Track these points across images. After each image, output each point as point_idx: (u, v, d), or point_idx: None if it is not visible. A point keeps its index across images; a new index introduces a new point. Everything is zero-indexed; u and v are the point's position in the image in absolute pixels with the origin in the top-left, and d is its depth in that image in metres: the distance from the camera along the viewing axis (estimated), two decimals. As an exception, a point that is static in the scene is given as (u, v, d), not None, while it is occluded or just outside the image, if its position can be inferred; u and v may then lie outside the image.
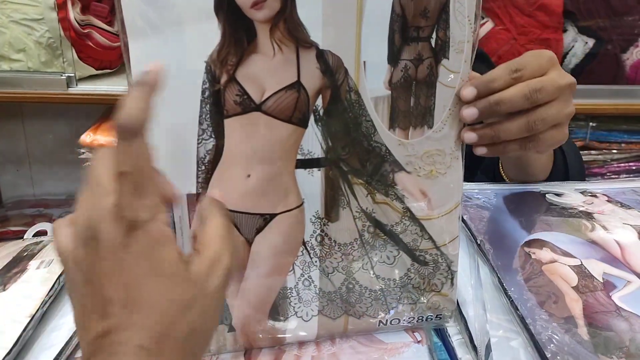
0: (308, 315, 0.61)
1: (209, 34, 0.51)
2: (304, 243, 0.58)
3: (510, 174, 0.80)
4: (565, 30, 1.67)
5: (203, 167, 0.55)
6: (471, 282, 0.64)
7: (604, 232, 0.66)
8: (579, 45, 1.66)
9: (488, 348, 0.55)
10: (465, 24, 0.55)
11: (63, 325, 0.63)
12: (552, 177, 0.79)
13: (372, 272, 0.60)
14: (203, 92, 0.53)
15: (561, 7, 1.63)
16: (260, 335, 0.61)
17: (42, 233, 0.81)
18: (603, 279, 0.59)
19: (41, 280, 0.66)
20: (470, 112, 0.56)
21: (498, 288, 0.60)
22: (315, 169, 0.56)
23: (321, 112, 0.55)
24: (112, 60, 1.72)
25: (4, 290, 0.65)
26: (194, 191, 0.56)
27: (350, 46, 0.54)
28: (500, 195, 0.74)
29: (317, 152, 0.56)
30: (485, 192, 0.76)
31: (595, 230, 0.66)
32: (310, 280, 0.60)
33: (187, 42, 0.51)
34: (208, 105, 0.53)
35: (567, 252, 0.63)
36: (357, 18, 0.54)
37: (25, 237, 0.80)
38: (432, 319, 0.62)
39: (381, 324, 0.62)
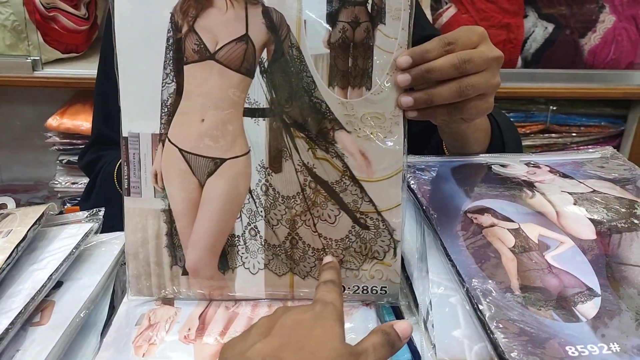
0: (255, 267, 0.64)
1: None
2: (250, 191, 0.62)
3: (450, 147, 0.83)
4: (526, 16, 1.71)
5: (165, 110, 0.62)
6: (417, 247, 0.67)
7: (543, 198, 0.69)
8: (539, 30, 1.70)
9: (427, 315, 0.58)
10: None
11: (21, 291, 0.64)
12: (489, 151, 0.82)
13: (314, 229, 0.62)
14: (167, 40, 0.60)
15: (522, -9, 1.67)
16: (211, 284, 0.64)
17: (3, 207, 0.82)
18: (538, 240, 0.62)
19: (0, 248, 0.67)
20: (403, 78, 0.59)
21: (440, 250, 0.63)
22: (260, 119, 0.61)
23: (266, 65, 0.60)
24: (79, 44, 1.72)
25: (-37, 258, 0.66)
26: (157, 131, 0.63)
27: (292, 5, 0.59)
28: (448, 167, 0.77)
29: (262, 102, 0.60)
30: (436, 163, 0.79)
31: (534, 197, 0.70)
32: (256, 230, 0.63)
33: None
34: (171, 52, 0.61)
35: (506, 217, 0.66)
36: None
37: (-14, 209, 0.81)
38: (377, 291, 0.65)
39: None
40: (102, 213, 0.79)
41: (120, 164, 0.85)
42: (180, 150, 0.63)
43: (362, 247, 0.63)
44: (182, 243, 0.64)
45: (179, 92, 0.61)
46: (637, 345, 0.50)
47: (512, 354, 0.49)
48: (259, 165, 0.62)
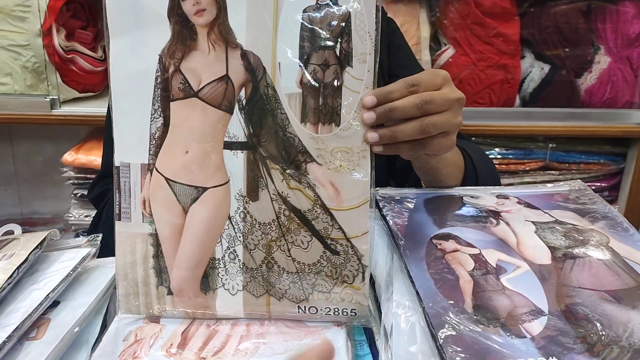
0: (234, 288, 0.69)
1: (162, 33, 0.67)
2: (229, 218, 0.68)
3: (424, 182, 0.88)
4: (522, 57, 1.77)
5: (154, 142, 0.69)
6: (386, 268, 0.71)
7: (506, 227, 0.74)
8: (535, 70, 1.76)
9: (390, 333, 0.63)
10: (366, 39, 0.64)
11: (19, 308, 0.70)
12: (463, 185, 0.87)
13: (288, 254, 0.67)
14: (156, 79, 0.67)
15: (518, 35, 1.73)
16: (194, 303, 0.70)
17: (9, 233, 0.88)
18: (496, 264, 0.66)
19: (3, 267, 0.73)
20: (369, 116, 0.65)
21: (405, 273, 0.67)
22: (239, 151, 0.67)
23: (244, 102, 0.66)
24: (95, 84, 1.81)
25: (-31, 277, 0.73)
26: (146, 162, 0.69)
27: (267, 49, 0.65)
28: (422, 198, 0.82)
29: (241, 136, 0.67)
30: (412, 195, 0.84)
31: (498, 225, 0.74)
32: (235, 253, 0.68)
33: (147, 39, 0.68)
34: (159, 90, 0.68)
35: (469, 243, 0.70)
36: (273, 26, 0.65)
37: (-6, 235, 0.88)
38: (347, 313, 0.69)
39: (300, 310, 0.69)
40: (99, 238, 0.85)
41: None
42: (167, 179, 0.69)
43: (332, 271, 0.68)
44: (167, 265, 0.70)
45: (165, 125, 0.68)
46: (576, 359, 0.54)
47: (457, 365, 0.53)
48: (238, 193, 0.68)
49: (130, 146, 0.69)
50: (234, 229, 0.68)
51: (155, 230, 0.70)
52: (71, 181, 1.78)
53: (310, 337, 0.67)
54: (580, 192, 0.84)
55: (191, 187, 0.68)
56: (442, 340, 0.56)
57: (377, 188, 0.84)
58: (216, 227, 0.69)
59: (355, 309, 0.69)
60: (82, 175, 1.77)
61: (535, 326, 0.58)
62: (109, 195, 1.12)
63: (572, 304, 0.60)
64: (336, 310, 0.69)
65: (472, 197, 0.82)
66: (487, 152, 1.40)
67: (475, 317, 0.59)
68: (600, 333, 0.56)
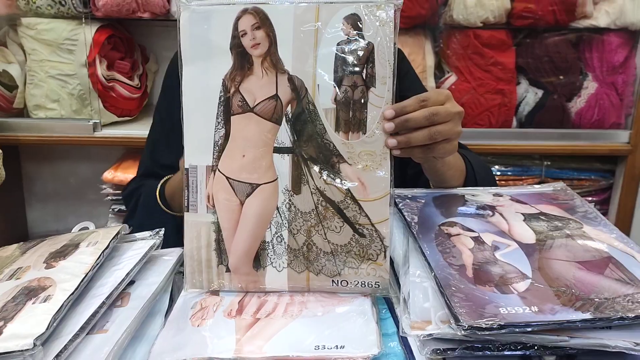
0: (280, 266, 0.85)
1: (226, 63, 0.86)
2: (277, 208, 0.85)
3: (433, 183, 1.06)
4: (518, 83, 1.95)
5: (217, 148, 0.86)
6: (402, 252, 0.88)
7: (500, 217, 0.90)
8: (530, 95, 1.94)
9: (408, 295, 0.79)
10: (386, 65, 0.82)
11: (107, 283, 0.86)
12: (465, 186, 1.05)
13: (324, 237, 0.84)
14: (219, 98, 0.86)
15: (513, 64, 1.92)
16: (247, 279, 0.86)
17: (85, 229, 1.05)
18: (492, 244, 0.83)
19: (90, 253, 0.90)
20: (389, 126, 0.82)
21: (419, 251, 0.84)
22: (285, 155, 0.84)
23: (290, 116, 0.84)
24: (132, 109, 2.00)
25: (64, 259, 0.89)
26: (210, 164, 0.87)
27: (309, 74, 0.84)
28: (431, 196, 0.99)
29: (287, 142, 0.84)
30: (422, 194, 1.00)
31: (494, 216, 0.91)
32: (281, 237, 0.85)
33: (213, 67, 0.86)
34: (222, 107, 0.86)
35: (469, 228, 0.87)
36: (313, 56, 0.84)
37: (73, 230, 1.05)
38: (372, 285, 0.85)
39: (334, 283, 0.85)
40: (162, 232, 1.02)
41: (161, 184, 1.15)
42: (227, 177, 0.86)
43: (360, 251, 0.85)
44: (227, 248, 0.87)
45: (227, 135, 0.86)
46: (551, 308, 0.69)
47: (461, 311, 0.69)
48: (284, 189, 0.85)
49: (197, 152, 0.87)
50: (280, 217, 0.85)
51: (217, 220, 0.87)
52: (109, 197, 1.95)
53: (341, 304, 0.83)
54: (561, 191, 1.01)
55: (247, 184, 0.86)
56: (449, 296, 0.72)
57: (395, 189, 1.01)
58: (267, 216, 0.86)
59: (378, 282, 0.85)
60: (119, 192, 1.94)
61: (521, 286, 0.74)
62: (143, 188, 1.26)
63: (550, 270, 0.77)
64: (363, 283, 0.85)
65: (472, 195, 0.99)
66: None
67: (474, 280, 0.75)
68: (572, 290, 0.72)
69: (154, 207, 1.18)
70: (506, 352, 0.69)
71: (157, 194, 1.18)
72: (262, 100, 0.85)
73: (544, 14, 1.86)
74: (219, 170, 0.86)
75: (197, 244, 0.88)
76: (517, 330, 0.67)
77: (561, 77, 1.94)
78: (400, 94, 1.23)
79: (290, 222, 0.85)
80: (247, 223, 0.86)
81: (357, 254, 0.85)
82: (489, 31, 1.89)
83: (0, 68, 1.89)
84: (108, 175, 1.92)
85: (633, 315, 0.68)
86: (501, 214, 0.92)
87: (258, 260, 0.87)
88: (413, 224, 0.90)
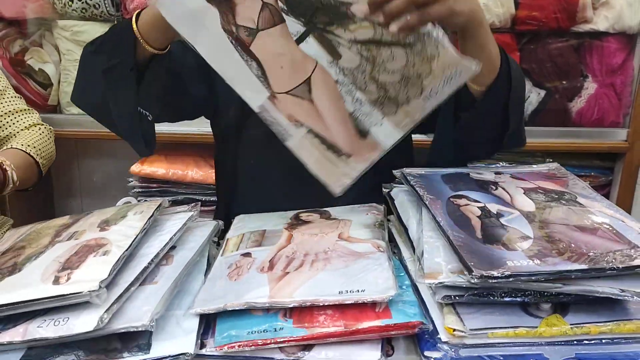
0: (379, 122, 0.95)
1: (213, 14, 0.92)
2: (336, 82, 0.94)
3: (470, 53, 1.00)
4: (522, 84, 2.06)
5: (261, 79, 0.94)
6: (416, 220, 0.99)
7: (503, 190, 1.01)
8: (533, 95, 2.04)
9: (422, 253, 0.89)
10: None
11: (153, 245, 0.97)
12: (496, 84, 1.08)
13: (388, 71, 0.92)
14: (231, 43, 0.93)
15: (517, 65, 2.02)
16: (366, 151, 0.97)
17: (127, 203, 1.17)
18: (497, 212, 0.94)
19: (138, 219, 1.01)
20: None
21: (432, 218, 0.94)
22: (307, 38, 0.92)
23: (285, 7, 0.92)
24: (158, 106, 2.11)
25: (115, 225, 1.01)
26: (268, 94, 0.95)
27: None
28: (440, 174, 1.10)
29: (299, 28, 0.92)
30: (431, 172, 1.11)
31: (497, 190, 1.02)
32: (359, 100, 0.94)
33: (210, 27, 0.92)
34: (238, 47, 0.93)
35: (476, 200, 0.98)
36: None
37: (117, 204, 1.16)
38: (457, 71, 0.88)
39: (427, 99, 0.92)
40: (199, 206, 1.13)
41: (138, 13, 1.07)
42: (287, 93, 0.95)
43: (423, 51, 0.89)
44: (332, 140, 0.97)
45: (258, 64, 0.93)
46: (552, 261, 0.79)
47: (473, 263, 0.79)
48: (328, 63, 0.92)
49: (254, 94, 0.95)
50: (344, 86, 0.93)
51: (309, 127, 0.97)
52: (135, 189, 2.06)
53: (362, 259, 0.92)
54: (556, 170, 1.12)
55: (303, 85, 0.94)
56: (459, 250, 0.83)
57: (406, 169, 1.12)
58: (334, 94, 0.94)
59: (462, 70, 0.89)
60: (146, 184, 2.05)
61: (525, 244, 0.84)
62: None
63: (549, 232, 0.87)
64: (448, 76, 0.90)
65: (477, 173, 1.10)
66: (492, 166, 1.66)
67: (484, 240, 0.85)
68: (569, 248, 0.82)
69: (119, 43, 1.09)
70: (507, 299, 0.80)
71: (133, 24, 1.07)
72: (258, 16, 0.91)
73: (547, 20, 1.96)
74: (276, 93, 0.95)
75: (313, 155, 0.97)
76: (522, 278, 0.77)
77: (564, 82, 2.04)
78: None
79: (354, 83, 0.92)
80: (326, 111, 0.94)
81: (421, 60, 0.89)
82: (495, 34, 1.97)
83: (36, 67, 2.02)
84: (135, 168, 2.03)
85: (622, 266, 0.78)
86: (504, 188, 1.02)
87: (360, 131, 0.95)
88: (425, 196, 1.00)
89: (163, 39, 1.08)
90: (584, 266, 0.78)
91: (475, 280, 0.77)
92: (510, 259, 0.80)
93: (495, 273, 0.77)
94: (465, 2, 0.92)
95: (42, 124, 1.65)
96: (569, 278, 0.78)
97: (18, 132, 1.60)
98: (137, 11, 1.07)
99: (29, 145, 1.53)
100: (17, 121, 1.61)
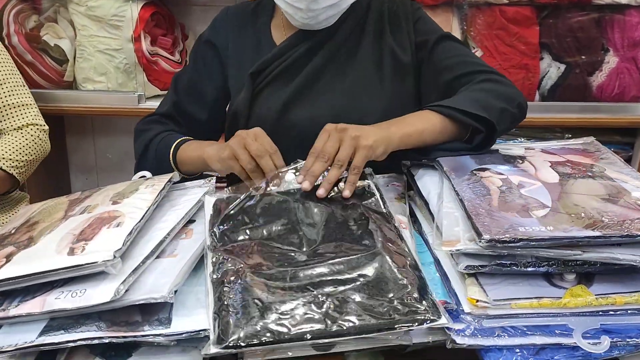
0: None
1: None
2: None
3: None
4: (541, 58, 2.03)
5: None
6: (436, 193, 0.97)
7: (529, 164, 0.99)
8: (553, 70, 2.01)
9: (441, 222, 0.88)
10: None
11: (168, 220, 0.96)
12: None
13: None
14: None
15: (537, 38, 1.99)
16: None
17: (143, 177, 1.15)
18: (518, 183, 0.92)
19: (150, 192, 1.00)
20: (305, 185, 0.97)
21: (452, 189, 0.93)
22: None
23: None
24: (173, 83, 2.10)
25: (127, 198, 1.00)
26: None
27: None
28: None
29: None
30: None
31: (523, 163, 1.00)
32: None
33: None
34: None
35: (499, 172, 0.96)
36: None
37: (132, 179, 1.15)
38: None
39: None
40: (213, 180, 1.11)
41: (176, 145, 1.25)
42: None
43: None
44: None
45: None
46: (564, 227, 0.78)
47: (483, 228, 0.78)
48: None
49: None
50: None
51: None
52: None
53: None
54: (591, 145, 1.09)
55: None
56: (471, 215, 0.81)
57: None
58: None
59: None
60: (161, 161, 2.04)
61: (540, 212, 0.82)
62: (157, 140, 1.32)
63: (568, 201, 0.85)
64: None
65: (507, 149, 1.08)
66: (511, 141, 1.64)
67: (498, 208, 0.84)
68: (590, 213, 0.81)
69: (163, 161, 1.27)
70: (529, 269, 0.78)
71: (170, 155, 1.26)
72: None
73: (568, -10, 1.92)
74: None
75: None
76: (532, 244, 0.76)
77: (584, 56, 2.00)
78: (418, 38, 1.27)
79: None
80: None
81: None
82: (515, 7, 1.96)
83: (52, 43, 2.01)
84: (151, 144, 2.02)
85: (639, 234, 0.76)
86: (530, 162, 1.00)
87: None
88: (448, 170, 0.98)
89: (197, 172, 1.28)
90: (597, 233, 0.76)
91: (484, 243, 0.76)
92: (523, 225, 0.79)
93: (504, 237, 0.76)
94: (367, 138, 0.97)
95: (36, 124, 1.63)
96: (582, 245, 0.76)
97: (7, 133, 1.60)
98: (177, 143, 1.25)
99: (2, 158, 1.54)
100: (11, 117, 1.61)
